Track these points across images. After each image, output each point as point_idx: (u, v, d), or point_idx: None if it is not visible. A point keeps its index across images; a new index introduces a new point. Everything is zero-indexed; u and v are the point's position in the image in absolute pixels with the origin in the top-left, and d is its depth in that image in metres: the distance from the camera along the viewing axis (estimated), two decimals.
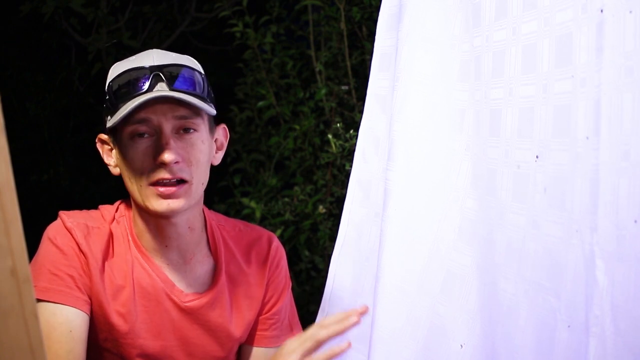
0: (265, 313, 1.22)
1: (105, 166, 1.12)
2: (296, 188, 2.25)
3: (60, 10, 2.80)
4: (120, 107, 1.01)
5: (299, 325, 1.30)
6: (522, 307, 0.97)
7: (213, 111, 1.06)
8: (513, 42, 0.99)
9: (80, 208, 1.14)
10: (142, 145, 1.02)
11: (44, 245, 1.06)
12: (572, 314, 0.89)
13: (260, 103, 2.39)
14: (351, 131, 2.02)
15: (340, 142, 2.05)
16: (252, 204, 2.26)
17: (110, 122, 1.03)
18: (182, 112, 1.02)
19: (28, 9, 2.78)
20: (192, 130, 1.04)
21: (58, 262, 1.03)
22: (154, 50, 1.09)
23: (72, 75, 3.56)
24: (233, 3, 2.52)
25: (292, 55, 2.42)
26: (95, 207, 1.16)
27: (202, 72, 1.09)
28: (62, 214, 1.09)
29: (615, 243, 0.82)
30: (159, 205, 1.01)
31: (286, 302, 1.25)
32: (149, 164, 1.01)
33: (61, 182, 3.61)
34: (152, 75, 1.01)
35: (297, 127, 2.29)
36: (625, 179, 0.81)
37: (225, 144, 1.16)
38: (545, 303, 0.93)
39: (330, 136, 2.09)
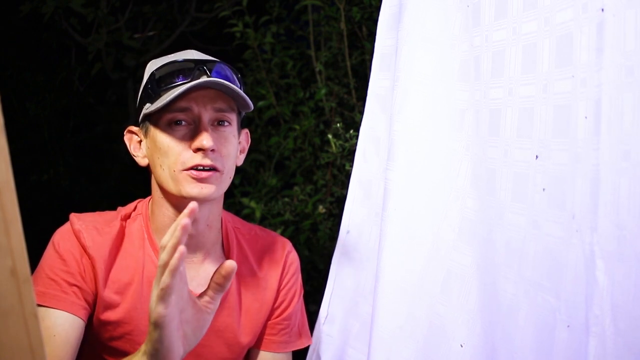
0: (275, 318, 1.23)
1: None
2: (296, 188, 2.25)
3: (60, 10, 2.80)
4: (163, 95, 1.03)
5: (309, 334, 1.30)
6: (522, 306, 0.97)
7: (250, 105, 1.09)
8: (513, 42, 0.99)
9: (80, 208, 1.14)
10: (180, 133, 1.04)
11: (48, 250, 1.08)
12: (572, 313, 0.89)
13: (260, 103, 2.39)
14: (351, 131, 2.01)
15: (340, 142, 2.04)
16: (252, 204, 2.25)
17: (150, 108, 1.05)
18: (220, 104, 1.05)
19: (28, 9, 2.78)
20: (226, 124, 1.07)
21: (56, 267, 1.05)
22: (193, 50, 1.13)
23: (72, 75, 3.56)
24: (233, 3, 2.52)
25: (292, 55, 2.42)
26: (95, 207, 1.16)
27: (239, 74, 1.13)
28: (73, 216, 1.11)
29: (616, 243, 0.82)
30: (192, 189, 1.03)
31: (297, 309, 1.26)
32: (185, 151, 1.03)
33: (61, 182, 3.60)
34: (196, 68, 1.04)
35: (297, 127, 2.28)
36: (626, 179, 0.81)
37: (247, 148, 1.20)
38: (545, 303, 0.93)
39: (330, 136, 2.08)
